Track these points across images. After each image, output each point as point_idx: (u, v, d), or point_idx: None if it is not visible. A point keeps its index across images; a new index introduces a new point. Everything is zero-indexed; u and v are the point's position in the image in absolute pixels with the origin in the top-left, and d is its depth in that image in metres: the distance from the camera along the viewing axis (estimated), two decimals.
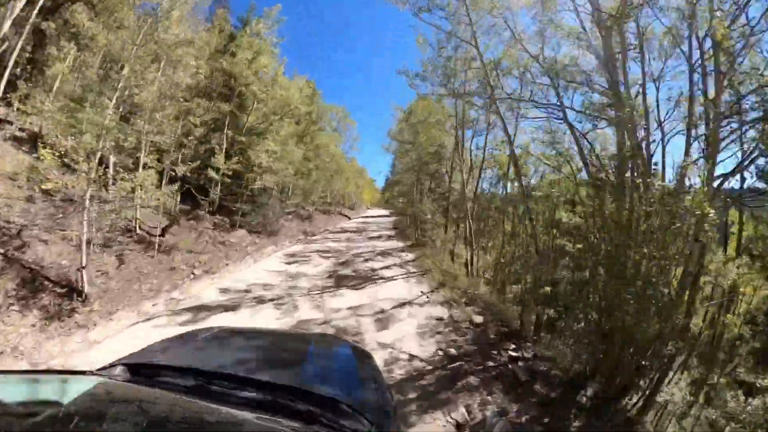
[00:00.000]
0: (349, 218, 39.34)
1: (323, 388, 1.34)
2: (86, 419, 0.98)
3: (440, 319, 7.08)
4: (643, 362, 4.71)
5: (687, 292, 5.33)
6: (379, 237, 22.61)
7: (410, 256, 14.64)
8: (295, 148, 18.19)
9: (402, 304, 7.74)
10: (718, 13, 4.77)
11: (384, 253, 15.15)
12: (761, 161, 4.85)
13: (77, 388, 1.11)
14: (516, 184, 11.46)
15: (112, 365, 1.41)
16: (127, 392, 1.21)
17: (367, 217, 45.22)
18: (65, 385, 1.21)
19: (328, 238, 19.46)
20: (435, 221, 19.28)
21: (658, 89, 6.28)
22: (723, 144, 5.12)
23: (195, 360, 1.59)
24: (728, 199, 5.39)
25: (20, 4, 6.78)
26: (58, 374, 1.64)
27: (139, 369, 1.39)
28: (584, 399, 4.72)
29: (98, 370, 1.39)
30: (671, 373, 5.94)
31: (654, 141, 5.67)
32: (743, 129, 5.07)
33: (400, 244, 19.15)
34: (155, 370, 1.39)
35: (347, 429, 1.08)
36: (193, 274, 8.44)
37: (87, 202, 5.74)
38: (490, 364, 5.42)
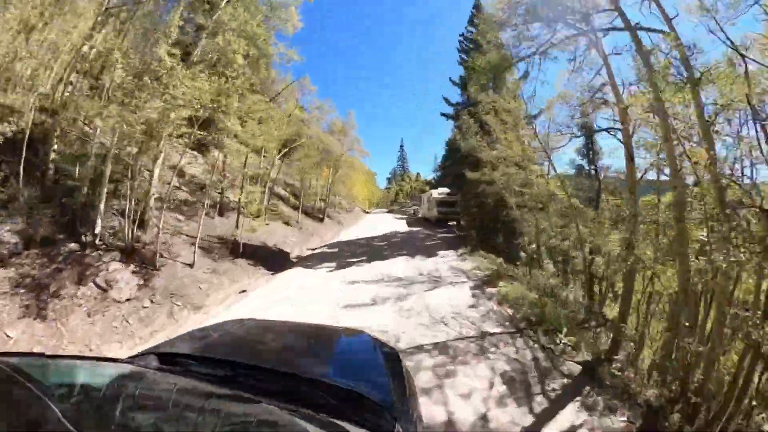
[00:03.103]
0: (293, 260, 10.76)
1: (348, 382, 1.30)
2: (117, 404, 0.99)
3: None
4: None
5: None
6: None
7: None
8: None
9: None
10: None
11: None
12: None
13: (110, 374, 1.16)
14: None
15: (143, 354, 1.46)
16: (157, 380, 1.21)
17: (363, 250, 13.89)
18: (99, 370, 1.21)
19: None
20: None
21: None
22: None
23: (223, 351, 1.61)
24: None
25: None
26: (92, 360, 1.78)
27: (169, 358, 1.42)
28: None
29: (130, 358, 1.44)
30: None
31: None
32: None
33: None
34: (184, 360, 1.41)
35: (371, 423, 1.07)
36: None
37: None
38: None
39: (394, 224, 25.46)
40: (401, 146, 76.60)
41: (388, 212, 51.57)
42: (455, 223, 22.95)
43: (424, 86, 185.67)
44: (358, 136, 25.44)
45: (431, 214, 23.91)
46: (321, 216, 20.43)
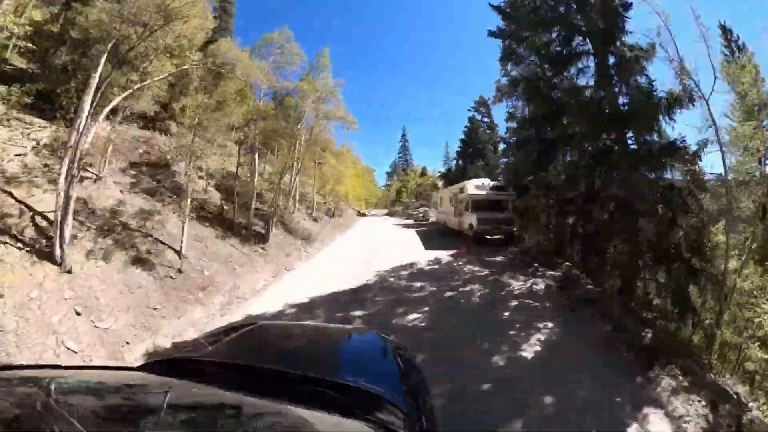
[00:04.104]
0: None
1: (361, 381, 1.28)
2: (128, 412, 0.99)
3: None
4: None
5: None
6: None
7: None
8: None
9: None
10: None
11: None
12: None
13: (123, 382, 1.17)
14: None
15: (153, 361, 1.44)
16: (168, 386, 1.19)
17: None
18: (112, 379, 1.22)
19: None
20: None
21: None
22: None
23: (234, 355, 1.58)
24: None
25: None
26: (102, 369, 1.78)
27: (180, 364, 1.39)
28: None
29: (140, 365, 1.40)
30: None
31: None
32: None
33: None
34: (195, 365, 1.38)
35: (385, 423, 1.04)
36: None
37: None
38: None
39: (401, 240, 15.97)
40: (403, 135, 65.81)
41: (388, 215, 42.16)
42: (502, 237, 13.53)
43: (426, 74, 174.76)
44: (345, 105, 15.93)
45: (464, 222, 14.45)
46: (265, 229, 10.98)
